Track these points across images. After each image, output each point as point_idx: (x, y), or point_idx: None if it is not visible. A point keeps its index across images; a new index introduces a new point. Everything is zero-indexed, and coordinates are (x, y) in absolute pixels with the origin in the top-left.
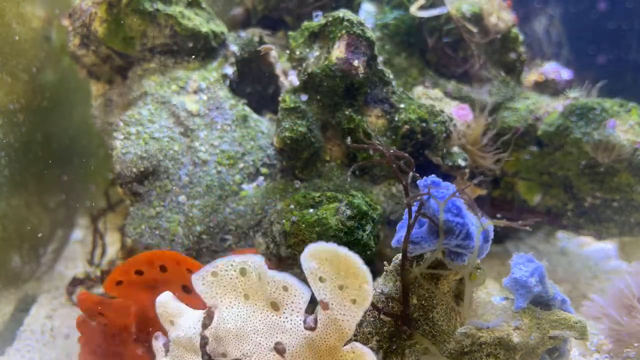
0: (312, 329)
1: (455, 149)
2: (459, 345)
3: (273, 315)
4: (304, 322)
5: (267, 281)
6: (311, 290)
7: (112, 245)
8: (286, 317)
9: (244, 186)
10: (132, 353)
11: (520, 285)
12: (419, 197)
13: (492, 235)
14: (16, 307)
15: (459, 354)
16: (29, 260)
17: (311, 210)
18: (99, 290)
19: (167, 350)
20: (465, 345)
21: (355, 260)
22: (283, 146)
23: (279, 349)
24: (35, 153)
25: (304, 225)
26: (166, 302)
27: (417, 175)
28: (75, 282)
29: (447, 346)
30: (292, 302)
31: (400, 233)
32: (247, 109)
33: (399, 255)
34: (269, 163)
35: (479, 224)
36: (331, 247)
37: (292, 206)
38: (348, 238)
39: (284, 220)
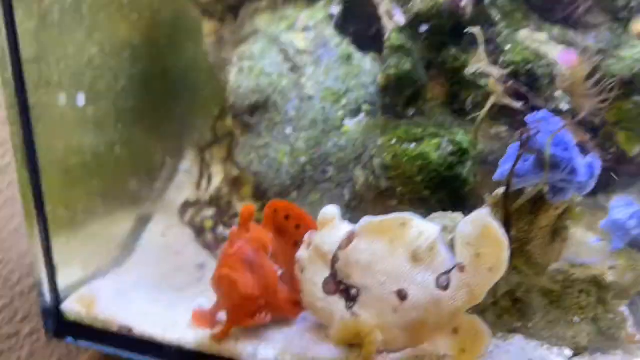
0: (444, 288)
1: (559, 93)
2: (552, 281)
3: (408, 265)
4: (437, 280)
5: (418, 237)
6: (453, 261)
7: (217, 176)
8: (419, 272)
9: (346, 122)
10: (269, 267)
11: (618, 227)
12: (527, 131)
13: (597, 172)
14: (135, 224)
15: (550, 288)
16: (144, 184)
17: (413, 145)
18: (208, 212)
19: (308, 246)
20: (558, 281)
21: (499, 230)
22: (387, 83)
23: (402, 295)
24: (153, 86)
25: (405, 159)
26: (328, 211)
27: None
28: (186, 205)
29: (540, 281)
30: (432, 263)
31: (504, 167)
32: (351, 48)
33: (500, 190)
34: (371, 101)
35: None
36: (483, 215)
37: (393, 141)
38: (448, 173)
39: (384, 154)
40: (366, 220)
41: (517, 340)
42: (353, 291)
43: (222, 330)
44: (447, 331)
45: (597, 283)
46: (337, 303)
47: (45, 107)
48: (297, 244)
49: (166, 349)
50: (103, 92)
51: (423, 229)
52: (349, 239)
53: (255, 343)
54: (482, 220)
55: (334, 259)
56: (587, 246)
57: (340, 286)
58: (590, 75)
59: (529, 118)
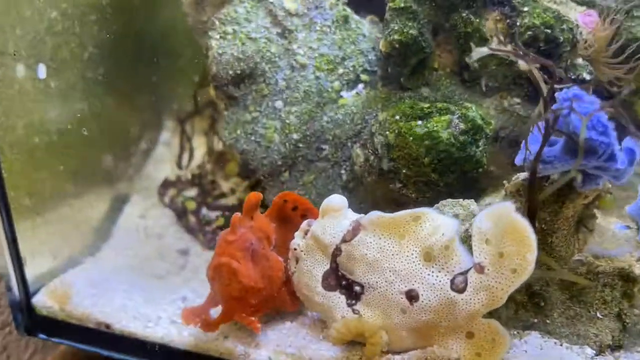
0: (460, 291)
1: (580, 61)
2: (574, 273)
3: (419, 264)
4: (452, 281)
5: (432, 233)
6: (471, 261)
7: (199, 149)
8: (433, 272)
9: (343, 93)
10: (274, 259)
11: None
12: (559, 111)
13: (638, 158)
14: (110, 206)
15: (571, 282)
16: (119, 161)
17: (419, 122)
18: (190, 192)
19: (305, 234)
20: (580, 274)
21: (526, 227)
22: (390, 50)
23: (412, 296)
24: (125, 51)
25: (411, 138)
26: (334, 200)
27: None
28: (166, 184)
29: (559, 276)
30: (447, 263)
31: (527, 150)
32: (348, 10)
33: (520, 175)
34: (370, 69)
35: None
36: (508, 209)
37: (397, 117)
38: (460, 154)
39: (387, 132)
40: (375, 214)
41: (534, 337)
42: (356, 288)
43: (213, 321)
44: (461, 334)
45: (623, 276)
46: (338, 299)
47: (0, 80)
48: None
49: (149, 346)
50: (67, 61)
51: (439, 224)
52: (355, 231)
53: (247, 342)
54: (507, 215)
55: (336, 252)
56: (612, 234)
57: (342, 282)
58: (613, 40)
59: (559, 95)
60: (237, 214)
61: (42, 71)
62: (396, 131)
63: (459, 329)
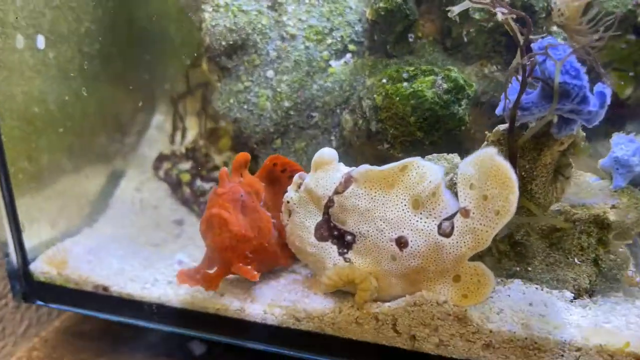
0: (447, 235)
1: (555, 29)
2: (552, 222)
3: (409, 212)
4: (439, 227)
5: (419, 181)
6: (456, 206)
7: (191, 130)
8: (421, 218)
9: (332, 63)
10: (263, 212)
11: (620, 165)
12: (535, 57)
13: (608, 101)
14: (107, 180)
15: (550, 230)
16: (114, 138)
17: (405, 83)
18: (185, 166)
19: (298, 187)
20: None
21: (507, 169)
22: (376, 18)
23: (401, 242)
24: (120, 29)
25: (397, 99)
26: (326, 153)
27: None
28: (161, 158)
29: (540, 221)
30: (434, 209)
31: (507, 100)
32: None
33: (500, 127)
34: (357, 40)
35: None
36: (490, 153)
37: (384, 80)
38: (444, 112)
39: (375, 95)
40: (365, 166)
41: (517, 284)
42: (348, 238)
43: (212, 275)
44: (448, 278)
45: (598, 223)
46: (330, 249)
47: (0, 50)
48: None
49: (146, 307)
50: (65, 34)
51: (425, 171)
52: (347, 183)
53: (243, 297)
54: (489, 159)
55: (329, 204)
56: (587, 184)
57: (334, 232)
58: (586, 11)
59: (535, 45)
60: (225, 169)
61: (40, 42)
62: (383, 94)
63: (446, 273)
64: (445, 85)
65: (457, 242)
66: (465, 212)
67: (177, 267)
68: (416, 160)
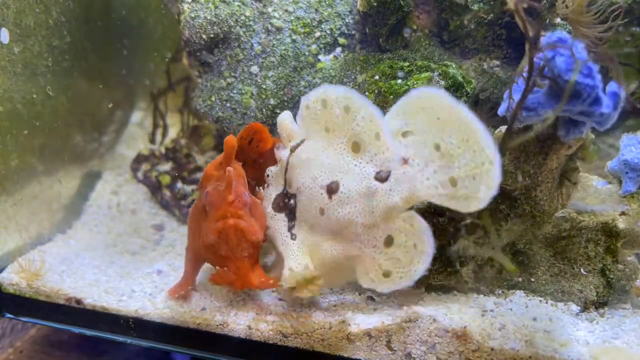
0: (382, 180)
1: (559, 20)
2: (557, 230)
3: (347, 156)
4: (377, 173)
5: (355, 119)
6: (401, 153)
7: (173, 127)
8: (360, 162)
9: (321, 57)
10: (259, 203)
11: (630, 168)
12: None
13: (622, 103)
14: (82, 183)
15: (555, 238)
16: (91, 138)
17: (399, 80)
18: (165, 167)
19: (279, 161)
20: (564, 230)
21: (462, 110)
22: (368, 9)
23: (331, 188)
24: (93, 24)
25: (391, 97)
26: (281, 117)
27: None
28: (139, 159)
29: (544, 229)
30: (376, 154)
31: (511, 100)
32: None
33: (502, 128)
34: (348, 33)
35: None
36: (435, 92)
37: (376, 77)
38: None
39: (367, 93)
40: (300, 121)
41: (519, 296)
42: (291, 202)
43: (234, 284)
44: (380, 241)
45: (606, 231)
46: (282, 223)
47: None
48: (255, 162)
49: (122, 321)
50: (32, 27)
51: (367, 113)
52: (300, 142)
53: (225, 311)
54: (438, 99)
55: (287, 168)
56: (595, 189)
57: (285, 199)
58: (591, 3)
59: (544, 40)
60: (230, 169)
61: (4, 36)
62: (376, 91)
63: (376, 232)
64: (442, 83)
65: (390, 189)
66: (405, 160)
67: (156, 278)
68: (358, 99)
